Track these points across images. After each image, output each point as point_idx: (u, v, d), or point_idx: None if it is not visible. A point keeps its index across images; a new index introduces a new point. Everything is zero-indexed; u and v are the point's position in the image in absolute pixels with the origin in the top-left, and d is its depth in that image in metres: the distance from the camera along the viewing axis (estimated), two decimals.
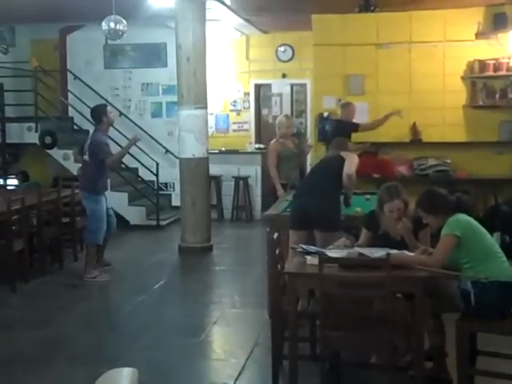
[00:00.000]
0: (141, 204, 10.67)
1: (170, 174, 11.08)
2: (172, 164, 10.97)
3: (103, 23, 7.87)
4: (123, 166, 10.28)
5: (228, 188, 11.18)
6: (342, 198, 5.66)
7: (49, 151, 10.92)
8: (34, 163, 11.59)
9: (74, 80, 11.76)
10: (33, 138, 10.91)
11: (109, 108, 7.63)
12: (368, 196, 6.37)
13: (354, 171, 5.50)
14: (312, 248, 4.41)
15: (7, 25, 11.69)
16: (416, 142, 9.19)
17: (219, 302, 6.47)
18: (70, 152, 10.83)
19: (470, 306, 3.92)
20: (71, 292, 6.95)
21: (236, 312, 6.12)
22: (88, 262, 7.31)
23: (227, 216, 11.21)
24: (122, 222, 8.00)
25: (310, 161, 9.54)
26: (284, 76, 11.96)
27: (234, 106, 12.16)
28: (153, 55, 11.70)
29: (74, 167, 10.70)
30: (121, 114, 11.23)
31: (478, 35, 8.92)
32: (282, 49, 11.89)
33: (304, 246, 4.47)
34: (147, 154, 11.01)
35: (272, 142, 7.59)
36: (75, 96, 11.51)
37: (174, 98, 9.37)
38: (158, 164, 10.81)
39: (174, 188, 11.37)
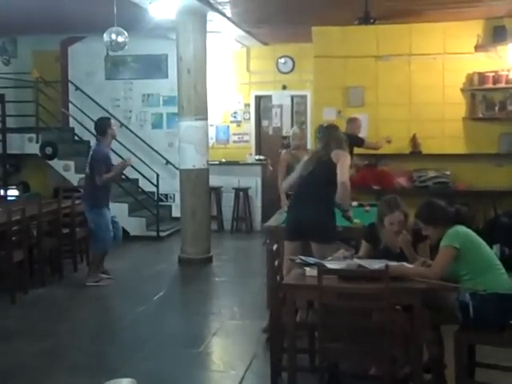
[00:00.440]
0: (141, 215, 10.68)
1: (170, 185, 11.10)
2: (172, 175, 11.00)
3: (104, 35, 7.90)
4: (123, 177, 10.29)
5: (228, 199, 11.19)
6: (340, 212, 5.53)
7: (49, 162, 10.93)
8: (35, 174, 11.60)
9: (75, 91, 11.80)
10: (34, 148, 10.93)
11: (113, 121, 7.75)
12: (368, 208, 6.39)
13: (347, 178, 5.32)
14: (311, 259, 4.42)
15: (9, 36, 11.75)
16: (416, 153, 9.20)
17: (219, 313, 6.47)
18: (70, 163, 10.88)
19: (469, 318, 3.93)
20: (71, 303, 6.95)
21: (235, 323, 6.12)
22: (92, 268, 7.51)
23: (227, 227, 11.21)
24: (122, 232, 8.05)
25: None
26: (284, 87, 12.00)
27: (235, 117, 12.20)
28: (154, 66, 11.75)
29: (74, 178, 10.75)
30: (122, 124, 11.26)
31: (478, 48, 8.96)
32: (282, 60, 11.94)
33: (303, 258, 4.48)
34: (147, 165, 11.03)
35: (283, 151, 7.58)
36: (76, 107, 11.54)
37: (175, 109, 9.40)
38: (158, 175, 10.83)
39: (174, 199, 11.38)
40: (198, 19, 8.58)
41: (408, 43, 9.18)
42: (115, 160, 7.84)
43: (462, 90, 9.12)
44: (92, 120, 11.01)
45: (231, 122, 12.22)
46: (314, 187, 5.37)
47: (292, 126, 12.06)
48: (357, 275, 4.07)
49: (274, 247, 4.70)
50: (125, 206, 10.48)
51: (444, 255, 4.03)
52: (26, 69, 11.61)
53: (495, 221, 7.62)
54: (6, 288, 6.77)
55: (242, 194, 11.10)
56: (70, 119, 11.77)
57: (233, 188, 11.15)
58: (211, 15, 8.84)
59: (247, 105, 12.17)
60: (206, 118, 8.73)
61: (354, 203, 6.83)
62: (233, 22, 9.66)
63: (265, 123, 12.39)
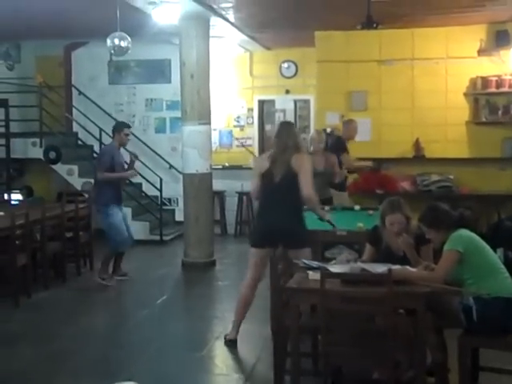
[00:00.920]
0: (144, 219, 10.69)
1: (173, 189, 11.10)
2: (176, 179, 11.00)
3: (108, 40, 7.93)
4: (127, 181, 10.31)
5: (231, 203, 11.20)
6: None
7: (53, 166, 10.96)
8: (39, 178, 11.63)
9: (79, 96, 11.83)
10: (37, 153, 10.96)
11: (126, 129, 7.76)
12: (371, 212, 6.38)
13: (310, 190, 5.23)
14: (314, 263, 4.42)
15: (13, 41, 11.80)
16: (419, 158, 9.20)
17: (222, 317, 6.47)
18: (74, 167, 10.92)
19: (472, 322, 3.92)
20: (74, 306, 6.96)
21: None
22: (103, 263, 7.65)
23: (230, 231, 11.22)
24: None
25: None
26: (287, 92, 12.01)
27: (238, 121, 12.22)
28: (157, 71, 11.78)
29: (77, 182, 10.78)
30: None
31: (481, 52, 8.96)
32: (285, 65, 11.96)
33: (306, 262, 4.48)
34: (151, 170, 11.05)
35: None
36: (80, 112, 11.58)
37: (178, 114, 9.42)
38: (161, 179, 10.84)
39: (177, 203, 11.39)
40: (201, 24, 8.61)
41: (411, 48, 9.19)
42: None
43: (465, 95, 9.13)
44: (95, 125, 11.12)
45: (234, 126, 12.24)
46: (281, 194, 5.28)
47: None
48: (360, 279, 4.07)
49: (278, 251, 4.70)
50: (128, 211, 10.46)
51: (447, 259, 4.03)
52: (29, 74, 11.66)
53: (499, 225, 7.61)
54: (9, 292, 6.78)
55: (245, 197, 11.10)
56: (74, 124, 11.80)
57: (236, 192, 11.15)
58: (214, 20, 8.87)
59: (250, 109, 12.18)
60: (209, 123, 8.75)
61: (357, 207, 6.84)
62: (236, 27, 9.68)
63: (268, 127, 12.40)
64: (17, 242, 6.87)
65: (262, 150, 12.17)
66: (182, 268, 8.62)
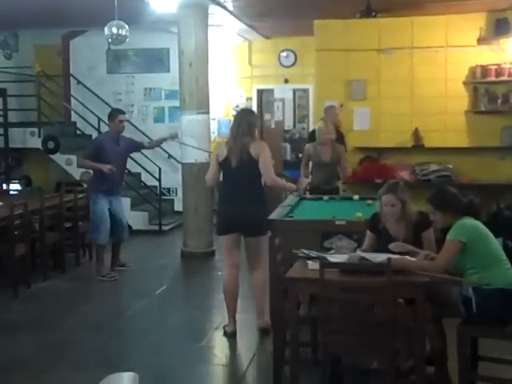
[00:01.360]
0: (143, 209, 10.68)
1: (172, 179, 11.09)
2: (174, 169, 10.99)
3: (106, 28, 7.89)
4: (126, 170, 10.29)
5: None
6: None
7: (52, 156, 10.94)
8: (37, 168, 11.61)
9: (77, 85, 11.80)
10: (36, 142, 10.94)
11: (121, 116, 7.66)
12: (369, 201, 6.36)
13: (272, 177, 5.38)
14: (313, 253, 4.41)
15: (10, 30, 11.74)
16: (418, 147, 9.18)
17: (221, 307, 6.43)
18: (72, 157, 10.89)
19: (472, 313, 3.91)
20: (73, 297, 6.96)
21: (238, 317, 6.08)
22: (96, 261, 7.62)
23: None
24: (124, 230, 8.09)
25: None
26: (286, 81, 11.98)
27: (237, 111, 12.14)
28: (155, 60, 11.75)
29: (76, 172, 10.75)
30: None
31: (480, 41, 8.92)
32: (284, 54, 11.92)
33: (305, 251, 4.48)
34: (150, 159, 11.03)
35: (308, 144, 7.58)
36: (78, 101, 11.56)
37: (177, 103, 9.39)
38: (160, 169, 10.83)
39: (176, 193, 11.38)
40: (199, 13, 8.56)
41: (410, 36, 9.14)
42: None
43: (465, 83, 9.09)
44: (94, 114, 11.10)
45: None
46: (238, 182, 5.39)
47: (294, 119, 12.09)
48: (359, 269, 4.06)
49: (277, 241, 4.69)
50: (127, 200, 10.47)
51: (449, 249, 4.00)
52: (27, 63, 11.61)
53: (498, 214, 7.61)
54: (8, 282, 6.78)
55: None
56: (72, 113, 11.79)
57: None
58: (213, 8, 8.82)
59: (249, 98, 12.15)
60: (207, 112, 8.72)
61: (356, 197, 6.83)
62: (234, 16, 9.64)
63: (267, 117, 12.38)
64: (15, 232, 6.86)
65: (260, 138, 12.10)
66: (181, 258, 8.62)
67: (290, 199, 6.77)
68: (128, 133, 10.15)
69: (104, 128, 10.78)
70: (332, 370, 4.31)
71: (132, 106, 11.87)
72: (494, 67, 8.87)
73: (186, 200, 8.74)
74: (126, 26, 7.95)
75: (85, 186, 8.98)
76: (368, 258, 4.11)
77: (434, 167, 9.05)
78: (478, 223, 4.09)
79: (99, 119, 10.90)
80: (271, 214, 5.92)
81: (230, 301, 5.60)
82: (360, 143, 8.84)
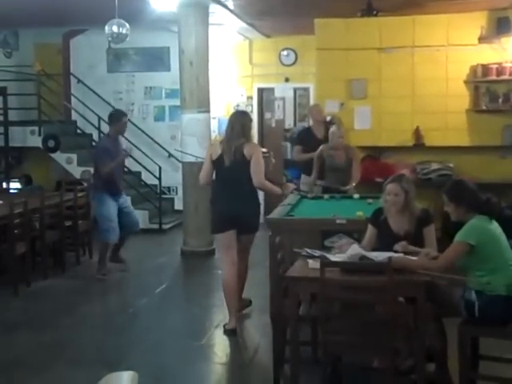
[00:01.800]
0: (143, 208, 10.66)
1: (172, 177, 11.07)
2: (175, 168, 10.97)
3: (106, 27, 7.88)
4: (126, 169, 10.29)
5: None
6: None
7: (52, 155, 10.93)
8: (37, 167, 11.60)
9: (77, 84, 11.78)
10: (36, 141, 10.92)
11: (125, 118, 7.68)
12: (370, 200, 6.35)
13: (262, 180, 5.58)
14: (316, 252, 4.40)
15: (11, 29, 11.71)
16: (419, 146, 9.16)
17: (221, 305, 6.43)
18: (73, 156, 10.88)
19: (474, 317, 3.89)
20: (73, 295, 6.95)
21: (238, 315, 6.09)
22: (99, 260, 7.55)
23: None
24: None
25: None
26: (287, 80, 11.95)
27: (236, 109, 12.15)
28: (156, 59, 11.73)
29: (76, 171, 10.75)
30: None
31: (481, 39, 8.90)
32: (284, 53, 11.89)
33: (308, 250, 4.47)
34: (150, 158, 11.03)
35: (322, 146, 7.57)
36: (78, 100, 11.54)
37: (177, 102, 9.38)
38: (160, 168, 10.82)
39: (176, 192, 11.36)
40: (199, 11, 8.55)
41: (411, 35, 9.12)
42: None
43: (466, 82, 9.07)
44: (94, 113, 11.09)
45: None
46: (231, 181, 5.61)
47: (295, 118, 12.07)
48: (360, 268, 4.05)
49: (277, 239, 4.68)
50: (127, 199, 10.46)
51: (455, 250, 3.94)
52: (27, 62, 11.58)
53: (499, 213, 7.58)
54: (8, 281, 6.78)
55: None
56: (72, 112, 11.76)
57: None
58: (213, 7, 8.80)
59: (250, 97, 12.12)
60: (208, 111, 8.72)
61: (356, 196, 6.81)
62: (235, 15, 9.61)
63: (267, 116, 12.35)
64: (16, 231, 6.85)
65: (261, 137, 12.13)
66: (181, 256, 8.61)
67: (291, 198, 6.76)
68: (128, 132, 10.21)
69: (104, 127, 10.74)
70: (332, 369, 4.30)
71: (132, 104, 11.86)
72: (495, 66, 8.85)
73: (187, 199, 8.73)
74: (127, 25, 7.94)
75: (85, 184, 8.97)
76: (369, 256, 4.09)
77: (434, 166, 9.03)
78: (491, 225, 3.99)
79: (99, 118, 10.89)
80: (272, 212, 5.93)
81: (230, 298, 5.66)
82: (361, 142, 8.81)
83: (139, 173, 11.20)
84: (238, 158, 5.55)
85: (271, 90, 12.17)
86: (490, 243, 3.93)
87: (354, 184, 7.19)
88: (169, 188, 11.52)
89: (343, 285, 3.96)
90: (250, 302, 6.15)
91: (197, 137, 8.48)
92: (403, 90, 9.18)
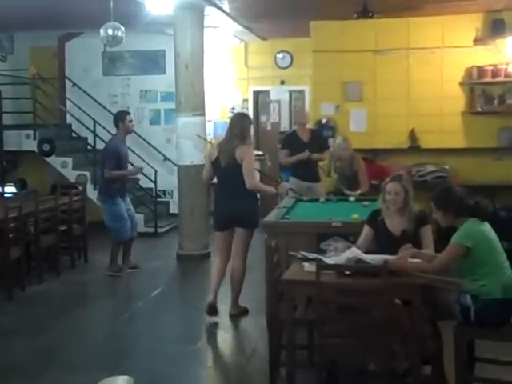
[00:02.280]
0: (139, 211, 10.56)
1: (168, 181, 11.04)
2: (170, 171, 10.95)
3: (101, 30, 7.87)
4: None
5: None
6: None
7: (47, 159, 10.90)
8: (32, 171, 11.56)
9: (73, 87, 11.75)
10: (31, 145, 10.90)
11: (129, 116, 7.82)
12: (366, 203, 6.35)
13: (253, 181, 5.83)
14: (311, 255, 4.39)
15: (6, 32, 11.70)
16: (414, 148, 9.17)
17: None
18: (68, 160, 10.86)
19: (469, 321, 3.88)
20: (68, 299, 6.92)
21: (233, 319, 6.08)
22: (111, 257, 7.69)
23: None
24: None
25: None
26: (282, 83, 11.96)
27: (233, 112, 12.13)
28: (151, 62, 11.71)
29: (71, 175, 10.72)
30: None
31: (476, 41, 8.91)
32: (280, 55, 11.90)
33: (304, 253, 4.45)
34: (145, 162, 11.00)
35: (332, 152, 7.71)
36: (74, 103, 11.50)
37: (173, 105, 9.36)
38: (156, 171, 10.79)
39: (172, 195, 11.34)
40: (195, 14, 8.54)
41: (406, 37, 9.13)
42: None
43: (461, 84, 9.08)
44: (89, 116, 11.06)
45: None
46: (228, 181, 5.87)
47: (290, 121, 12.06)
48: (356, 271, 4.03)
49: (273, 242, 4.67)
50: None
51: (451, 253, 3.92)
52: (23, 65, 11.56)
53: (494, 215, 7.58)
54: (3, 285, 6.74)
55: None
56: (68, 116, 11.73)
57: None
58: (209, 10, 8.79)
59: (245, 100, 12.13)
60: (203, 114, 8.70)
61: (352, 198, 6.81)
62: (231, 17, 9.61)
63: (263, 118, 12.36)
64: (10, 235, 6.82)
65: (257, 140, 12.13)
66: (177, 260, 8.59)
67: (287, 201, 6.75)
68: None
69: (100, 130, 10.78)
70: (328, 372, 4.28)
71: (128, 108, 11.73)
72: (490, 68, 8.86)
73: (182, 202, 8.71)
74: (122, 28, 7.93)
75: (80, 188, 8.95)
76: (365, 259, 4.08)
77: (430, 168, 9.03)
78: (487, 228, 3.98)
79: (95, 121, 10.86)
80: (267, 215, 5.92)
81: (217, 282, 6.11)
82: (356, 144, 8.76)
83: None
84: (231, 160, 5.77)
85: (267, 92, 12.18)
86: (485, 246, 3.91)
87: (359, 192, 7.17)
88: (164, 191, 11.49)
89: (339, 288, 3.95)
90: (247, 310, 6.11)
91: (192, 140, 8.46)
92: (398, 92, 9.19)
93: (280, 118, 12.17)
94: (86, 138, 11.44)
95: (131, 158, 9.51)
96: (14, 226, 6.91)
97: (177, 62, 8.58)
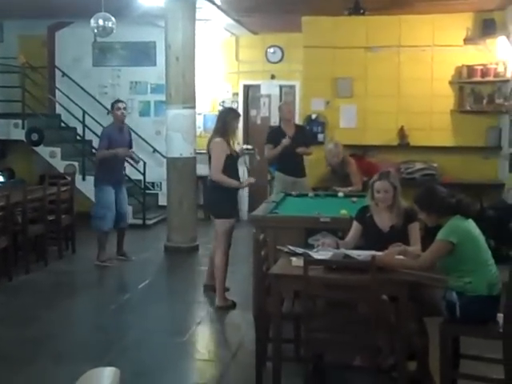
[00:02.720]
0: (128, 203, 10.60)
1: (157, 173, 11.04)
2: (159, 163, 10.94)
3: (92, 20, 7.83)
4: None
5: None
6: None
7: (35, 148, 10.85)
8: (20, 160, 11.51)
9: (62, 77, 11.69)
10: (19, 134, 10.84)
11: (120, 104, 7.91)
12: (354, 199, 6.38)
13: (216, 174, 6.08)
14: (299, 249, 4.41)
15: None
16: (403, 145, 9.21)
17: (204, 301, 6.46)
18: (57, 150, 10.81)
19: (455, 317, 3.92)
20: (56, 290, 6.91)
21: (221, 312, 6.10)
22: (98, 247, 7.76)
23: None
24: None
25: None
26: (273, 77, 11.95)
27: (223, 106, 12.12)
28: (142, 54, 11.67)
29: (60, 165, 10.68)
30: (108, 112, 11.18)
31: (467, 41, 8.96)
32: (271, 50, 11.88)
33: (291, 247, 4.47)
34: (134, 153, 10.94)
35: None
36: (63, 93, 11.44)
37: (163, 97, 9.34)
38: (145, 163, 10.76)
39: (160, 187, 11.33)
40: (187, 6, 8.51)
41: (397, 35, 9.16)
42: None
43: (451, 83, 9.13)
44: (79, 107, 11.01)
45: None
46: (209, 174, 6.24)
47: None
48: (343, 266, 4.06)
49: (261, 237, 4.68)
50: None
51: (437, 249, 3.95)
52: (12, 54, 11.46)
53: (481, 213, 7.64)
54: None
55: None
56: (57, 106, 11.67)
57: None
58: (200, 3, 8.77)
59: (235, 94, 12.10)
60: (193, 107, 8.69)
61: (341, 194, 6.83)
62: (222, 10, 9.59)
63: (253, 113, 12.34)
64: None
65: (246, 135, 12.13)
66: (165, 252, 8.59)
67: (276, 195, 6.76)
68: None
69: (89, 121, 10.77)
70: (314, 366, 4.31)
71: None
72: (480, 67, 8.91)
73: (171, 194, 8.71)
74: (113, 19, 7.90)
75: (68, 178, 8.92)
76: (352, 255, 4.11)
77: (418, 166, 9.08)
78: (471, 225, 4.02)
79: (84, 112, 10.82)
80: (256, 209, 5.93)
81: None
82: (345, 140, 8.81)
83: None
84: (208, 153, 6.21)
85: (257, 87, 12.16)
86: (470, 242, 3.95)
87: (350, 189, 7.19)
88: (153, 183, 11.48)
89: (326, 283, 3.97)
90: (234, 304, 6.16)
91: (182, 132, 8.46)
92: (389, 89, 9.23)
93: (270, 113, 12.15)
94: (75, 129, 11.39)
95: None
96: (2, 216, 6.88)
97: (167, 54, 8.57)
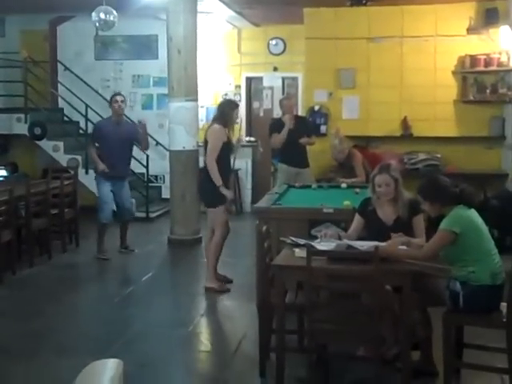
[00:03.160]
0: (131, 196, 10.61)
1: (160, 166, 11.02)
2: (162, 156, 10.93)
3: (93, 14, 7.83)
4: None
5: None
6: None
7: (38, 142, 10.86)
8: (23, 154, 11.52)
9: (64, 71, 11.68)
10: (22, 129, 10.84)
11: (116, 97, 7.88)
12: (357, 190, 6.37)
13: (210, 160, 6.23)
14: (301, 240, 4.40)
15: None
16: (406, 136, 9.19)
17: (207, 293, 6.46)
18: (59, 143, 10.82)
19: (458, 307, 3.91)
20: (59, 283, 6.92)
21: (224, 304, 6.11)
22: (97, 240, 7.82)
23: None
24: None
25: None
26: (275, 69, 11.92)
27: (225, 98, 12.10)
28: (144, 47, 11.65)
29: (63, 159, 10.69)
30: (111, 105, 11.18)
31: (470, 30, 8.92)
32: (273, 42, 11.85)
33: (293, 238, 4.47)
34: (137, 146, 10.94)
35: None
36: (65, 87, 11.43)
37: (165, 90, 9.32)
38: (148, 156, 10.75)
39: (163, 180, 11.33)
40: None
41: (400, 25, 9.13)
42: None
43: (454, 73, 9.10)
44: (81, 100, 11.00)
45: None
46: (204, 159, 6.39)
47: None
48: (347, 257, 4.05)
49: (264, 228, 4.68)
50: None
51: (440, 239, 3.95)
52: (14, 48, 11.46)
53: (485, 203, 7.63)
54: None
55: (232, 175, 11.01)
56: (59, 99, 11.67)
57: None
58: None
59: (238, 86, 12.09)
60: (196, 99, 8.67)
61: (344, 185, 6.82)
62: (224, 3, 9.56)
63: (256, 105, 12.32)
64: (1, 219, 6.79)
65: (249, 127, 12.12)
66: (168, 245, 8.59)
67: (279, 187, 6.75)
68: None
69: (91, 115, 10.75)
70: (318, 357, 4.31)
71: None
72: (483, 57, 8.87)
73: (174, 187, 8.70)
74: (114, 12, 7.90)
75: (71, 172, 8.92)
76: (355, 246, 4.10)
77: (422, 156, 9.07)
78: (474, 215, 4.01)
79: (87, 106, 10.82)
80: (259, 201, 5.92)
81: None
82: (348, 132, 8.82)
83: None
84: (206, 139, 6.35)
85: (259, 79, 12.13)
86: (473, 232, 3.95)
87: (353, 180, 7.17)
88: (156, 176, 11.47)
89: (329, 273, 3.97)
90: (229, 281, 6.61)
91: (184, 125, 8.45)
92: (391, 79, 9.20)
93: (273, 105, 12.12)
94: (77, 122, 11.39)
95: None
96: (5, 210, 6.87)
97: (169, 47, 8.54)
